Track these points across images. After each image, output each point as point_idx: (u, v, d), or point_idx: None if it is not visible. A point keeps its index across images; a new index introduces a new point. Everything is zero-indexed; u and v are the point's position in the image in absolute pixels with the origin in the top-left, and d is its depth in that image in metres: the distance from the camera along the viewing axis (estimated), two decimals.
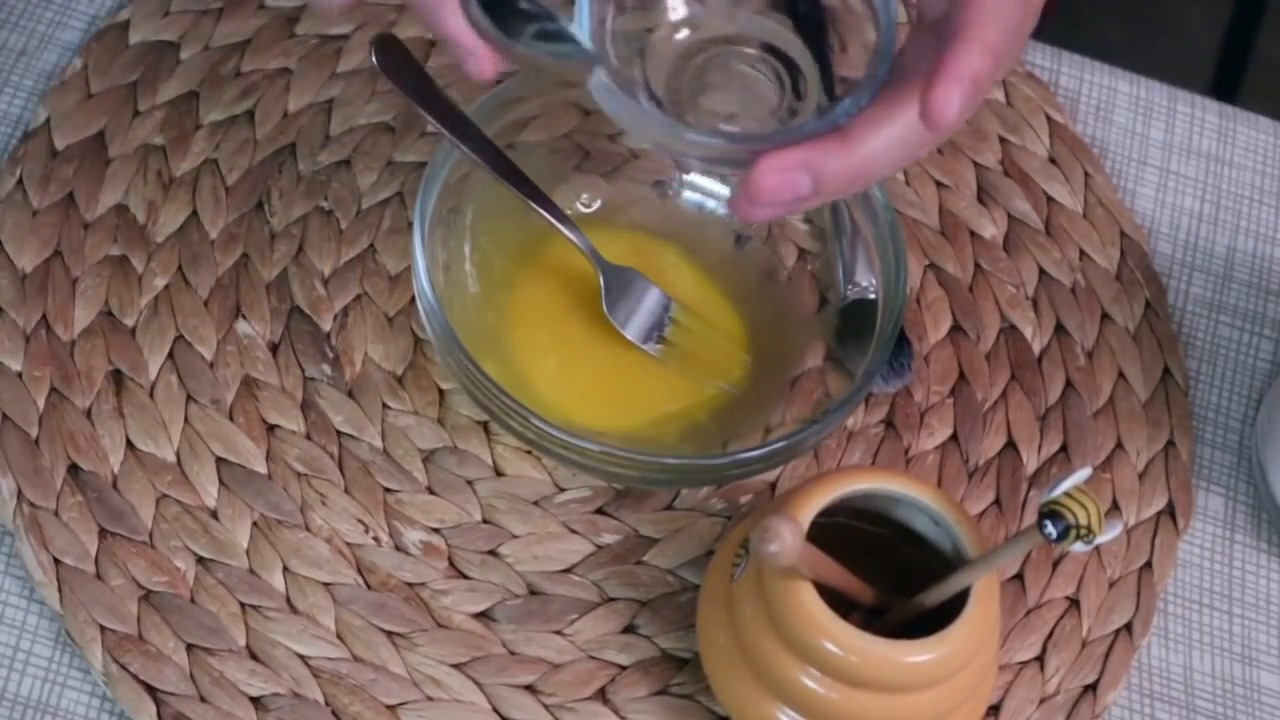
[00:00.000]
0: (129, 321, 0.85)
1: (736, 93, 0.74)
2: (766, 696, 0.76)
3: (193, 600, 0.80)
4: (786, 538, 0.69)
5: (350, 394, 0.85)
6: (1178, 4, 1.85)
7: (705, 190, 0.89)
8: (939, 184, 0.93)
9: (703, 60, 0.75)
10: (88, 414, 0.83)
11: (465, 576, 0.82)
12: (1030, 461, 0.88)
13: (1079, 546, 0.70)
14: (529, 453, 0.85)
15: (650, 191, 0.89)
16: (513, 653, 0.81)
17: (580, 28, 0.70)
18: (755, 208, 0.67)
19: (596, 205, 0.88)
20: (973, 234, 0.92)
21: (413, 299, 0.87)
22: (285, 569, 0.81)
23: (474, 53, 0.69)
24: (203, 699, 0.78)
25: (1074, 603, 0.85)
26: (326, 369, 0.85)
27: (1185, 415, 0.90)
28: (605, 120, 0.78)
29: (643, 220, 0.88)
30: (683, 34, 0.74)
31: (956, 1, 0.67)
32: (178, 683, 0.79)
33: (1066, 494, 0.70)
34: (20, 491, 0.81)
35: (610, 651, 0.82)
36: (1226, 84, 1.68)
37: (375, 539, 0.82)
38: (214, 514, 0.82)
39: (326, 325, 0.86)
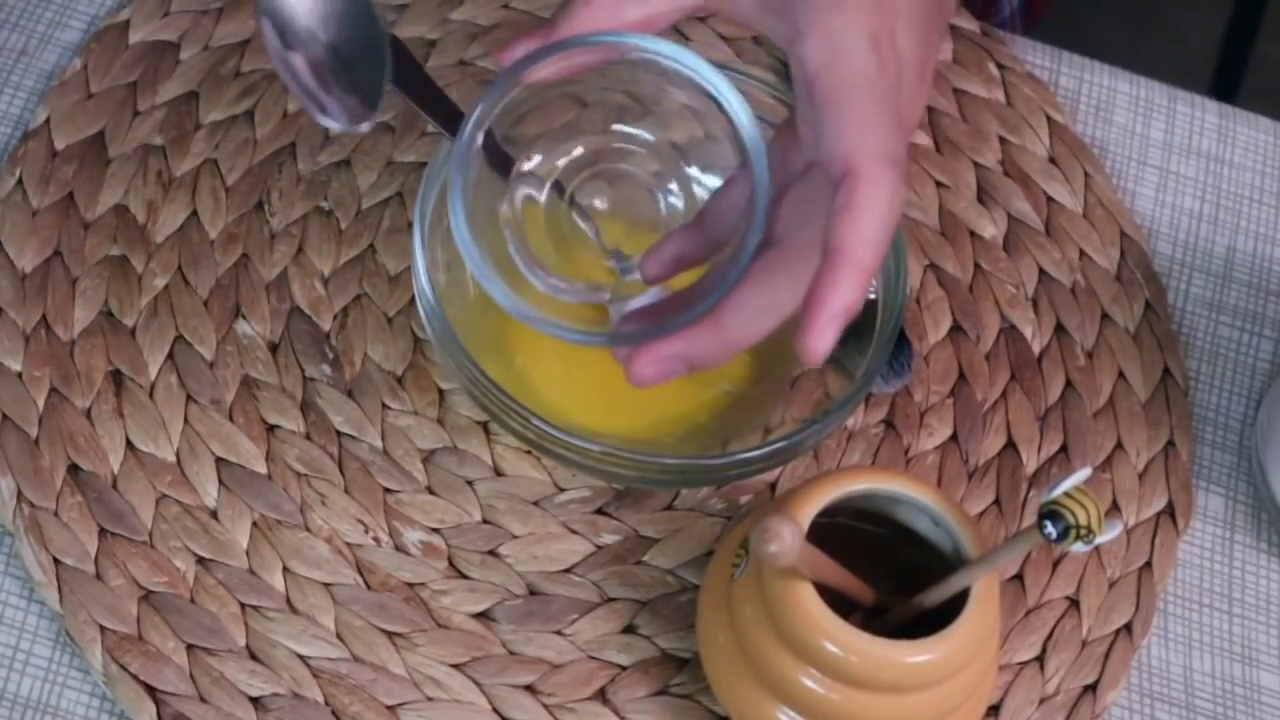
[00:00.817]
0: (129, 321, 0.85)
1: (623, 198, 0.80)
2: (766, 696, 0.76)
3: (193, 600, 0.80)
4: (786, 538, 0.69)
5: (350, 394, 0.85)
6: (1178, 4, 1.85)
7: (704, 187, 0.89)
8: (939, 184, 0.93)
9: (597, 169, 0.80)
10: (88, 414, 0.83)
11: (465, 577, 0.82)
12: (1030, 461, 0.88)
13: (1079, 546, 0.70)
14: (529, 453, 0.85)
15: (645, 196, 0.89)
16: (513, 653, 0.81)
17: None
18: (634, 383, 0.73)
19: (595, 203, 0.88)
20: (973, 234, 0.92)
21: (413, 299, 0.87)
22: (285, 569, 0.81)
23: None
24: (203, 699, 0.78)
25: (1074, 603, 0.85)
26: (326, 369, 0.85)
27: (1185, 415, 0.90)
28: (606, 117, 0.78)
29: (641, 218, 0.88)
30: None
31: (836, 205, 0.68)
32: (178, 683, 0.79)
33: (1066, 494, 0.70)
34: (20, 491, 0.81)
35: (610, 651, 0.82)
36: (1226, 84, 1.68)
37: (375, 539, 0.82)
38: (214, 514, 0.82)
39: (326, 325, 0.86)
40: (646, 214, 0.80)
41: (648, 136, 0.79)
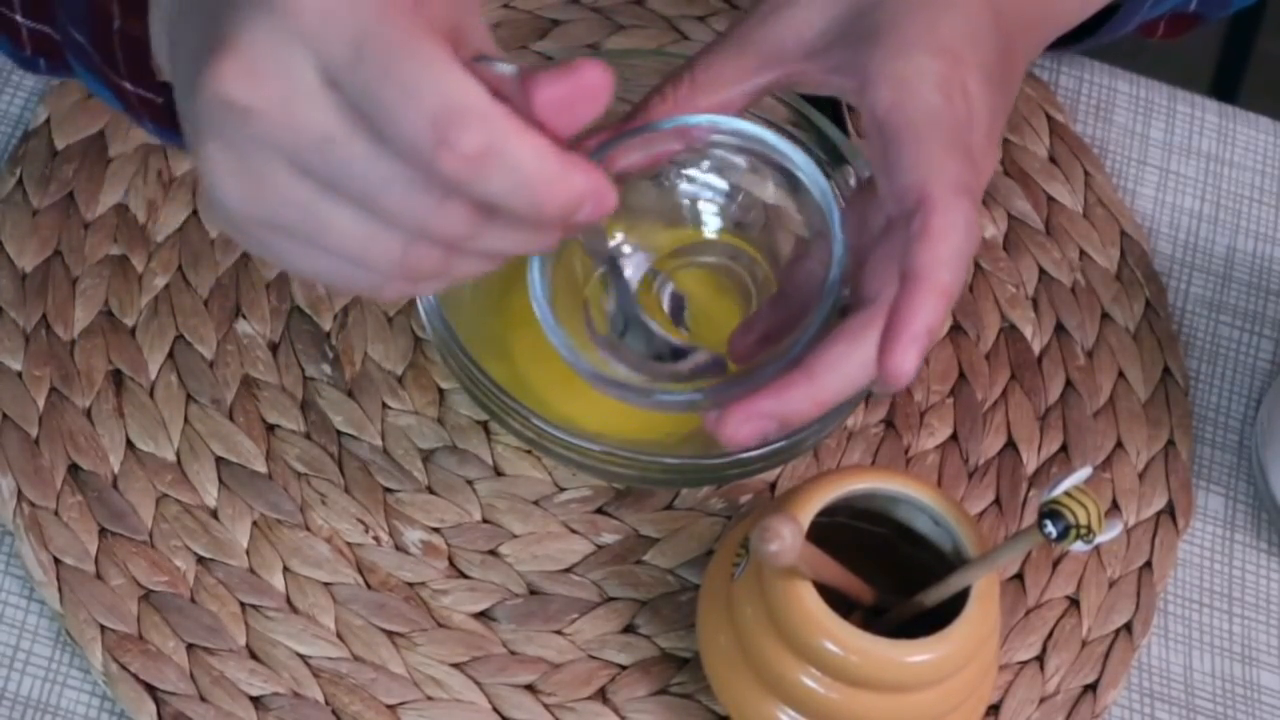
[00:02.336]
0: (129, 321, 0.85)
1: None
2: (766, 696, 0.76)
3: (193, 600, 0.80)
4: (787, 537, 0.69)
5: (350, 394, 0.85)
6: None
7: (702, 184, 0.88)
8: None
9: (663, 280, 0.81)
10: (88, 414, 0.83)
11: (465, 576, 0.82)
12: (1030, 461, 0.88)
13: (1079, 546, 0.70)
14: (529, 452, 0.85)
15: (649, 185, 0.88)
16: (513, 652, 0.81)
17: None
18: (725, 442, 0.71)
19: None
20: None
21: (413, 299, 0.87)
22: (285, 569, 0.81)
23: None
24: (203, 698, 0.78)
25: (1074, 602, 0.85)
26: (326, 369, 0.85)
27: (1185, 415, 0.90)
28: (606, 115, 0.79)
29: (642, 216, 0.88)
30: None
31: (912, 235, 0.67)
32: (178, 682, 0.79)
33: (1066, 494, 0.70)
34: (20, 491, 0.81)
35: (610, 651, 0.82)
36: (1227, 83, 1.67)
37: (375, 539, 0.82)
38: (214, 514, 0.82)
39: (326, 325, 0.86)
40: (728, 293, 0.81)
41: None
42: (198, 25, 0.61)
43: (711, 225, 0.81)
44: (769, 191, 0.79)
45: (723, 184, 0.80)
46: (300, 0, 0.58)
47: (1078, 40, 0.89)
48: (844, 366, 0.70)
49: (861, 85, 0.70)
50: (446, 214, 0.60)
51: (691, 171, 0.80)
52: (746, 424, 0.70)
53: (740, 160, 0.77)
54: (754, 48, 0.74)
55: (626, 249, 0.80)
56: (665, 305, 0.80)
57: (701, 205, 0.81)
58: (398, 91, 0.58)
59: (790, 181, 0.75)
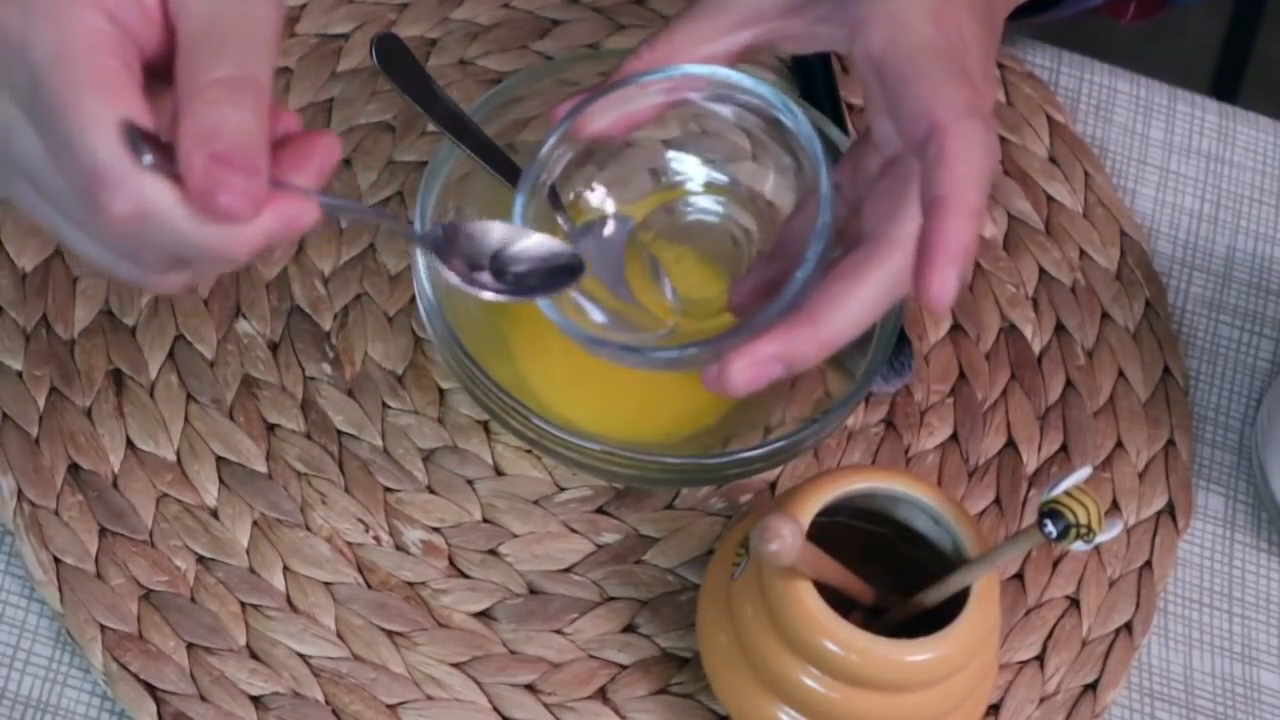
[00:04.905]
0: (129, 321, 0.85)
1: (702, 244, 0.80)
2: (766, 695, 0.76)
3: (193, 599, 0.80)
4: (787, 537, 0.69)
5: (350, 393, 0.85)
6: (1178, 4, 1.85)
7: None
8: None
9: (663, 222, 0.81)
10: (88, 413, 0.83)
11: (465, 576, 0.82)
12: (1030, 461, 0.88)
13: (1079, 546, 0.70)
14: (529, 452, 0.85)
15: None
16: (513, 652, 0.81)
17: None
18: (728, 391, 0.70)
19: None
20: None
21: (413, 298, 0.87)
22: (285, 568, 0.81)
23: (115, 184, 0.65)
24: (203, 698, 0.78)
25: (1074, 602, 0.85)
26: (327, 368, 0.85)
27: (1185, 415, 0.90)
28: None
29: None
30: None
31: (928, 163, 0.67)
32: (178, 682, 0.79)
33: (1066, 493, 0.70)
34: (20, 491, 0.81)
35: (610, 651, 0.82)
36: (1226, 84, 1.67)
37: (375, 538, 0.82)
38: (214, 513, 0.82)
39: (327, 324, 0.86)
40: (716, 253, 0.81)
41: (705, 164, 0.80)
42: None
43: (696, 179, 0.81)
44: (753, 144, 0.78)
45: (705, 139, 0.80)
46: (5, 22, 0.62)
47: (1044, 10, 0.89)
48: (845, 304, 0.70)
49: (852, 31, 0.70)
50: (131, 249, 0.63)
51: (672, 128, 0.80)
52: (749, 369, 0.70)
53: (725, 110, 0.76)
54: (733, 5, 0.74)
55: (610, 208, 0.80)
56: (651, 270, 0.80)
57: (684, 161, 0.80)
58: (59, 145, 0.61)
59: (775, 129, 0.74)
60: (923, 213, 0.66)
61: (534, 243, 0.72)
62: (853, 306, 0.70)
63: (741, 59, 0.74)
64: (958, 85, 0.68)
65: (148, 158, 0.60)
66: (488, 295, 0.70)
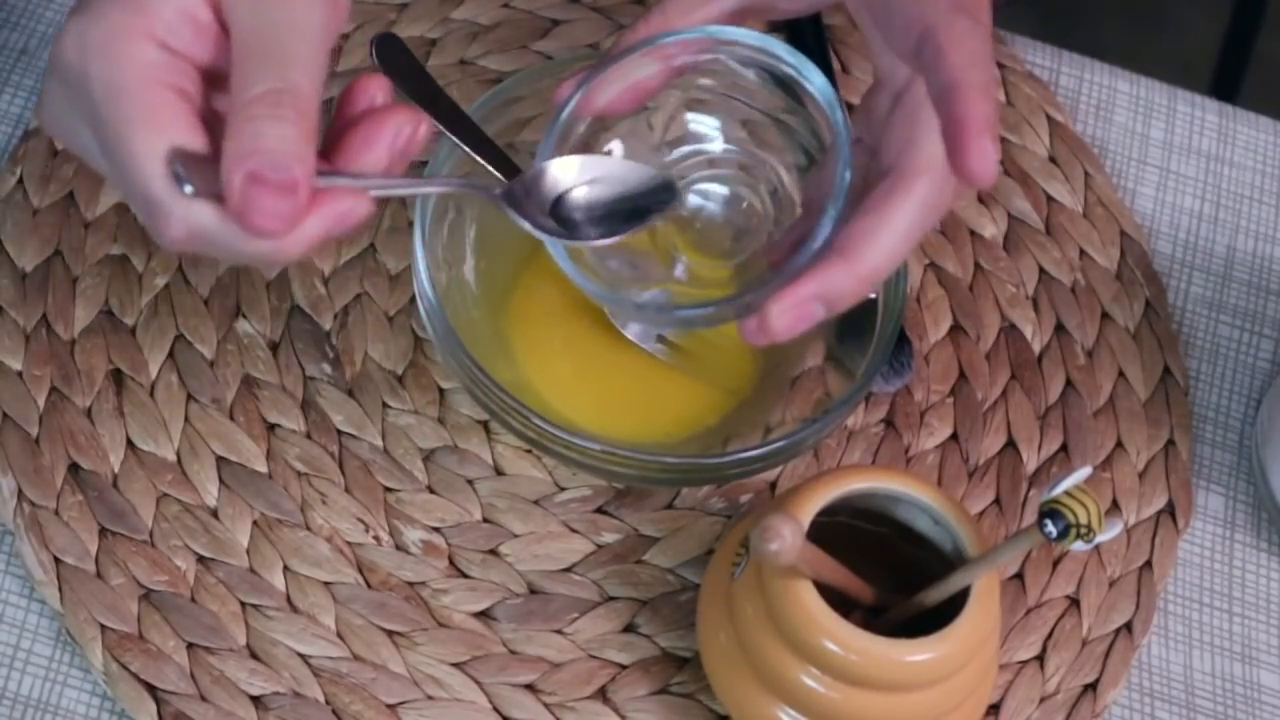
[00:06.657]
0: (129, 321, 0.85)
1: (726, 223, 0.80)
2: (766, 695, 0.76)
3: (193, 599, 0.80)
4: (787, 536, 0.69)
5: (350, 393, 0.85)
6: (1178, 4, 1.85)
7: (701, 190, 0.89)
8: None
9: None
10: (88, 413, 0.83)
11: (465, 576, 0.82)
12: (1030, 461, 0.88)
13: (1079, 545, 0.70)
14: (529, 452, 0.85)
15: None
16: (513, 652, 0.81)
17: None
18: (770, 338, 0.71)
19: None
20: (973, 233, 0.92)
21: (413, 298, 0.87)
22: (285, 568, 0.81)
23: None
24: (203, 698, 0.79)
25: (1074, 602, 0.85)
26: (327, 368, 0.85)
27: (1185, 415, 0.90)
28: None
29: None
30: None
31: (927, 63, 0.68)
32: (178, 682, 0.79)
33: (1066, 493, 0.70)
34: (20, 491, 0.81)
35: (610, 650, 0.82)
36: (1226, 84, 1.68)
37: (375, 538, 0.82)
38: (214, 513, 0.82)
39: (327, 324, 0.86)
40: (726, 222, 0.80)
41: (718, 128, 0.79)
42: None
43: (710, 145, 0.80)
44: (765, 99, 0.78)
45: (720, 100, 0.80)
46: (62, 43, 0.65)
47: None
48: (878, 237, 0.70)
49: None
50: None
51: (685, 90, 0.80)
52: (789, 311, 0.70)
53: (745, 72, 0.76)
54: None
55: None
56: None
57: (701, 123, 0.80)
58: (119, 176, 0.65)
59: (785, 85, 0.74)
60: (936, 108, 0.67)
61: (608, 170, 0.72)
62: (886, 238, 0.70)
63: (733, 24, 0.75)
64: None
65: (188, 188, 0.62)
66: (596, 243, 0.71)
